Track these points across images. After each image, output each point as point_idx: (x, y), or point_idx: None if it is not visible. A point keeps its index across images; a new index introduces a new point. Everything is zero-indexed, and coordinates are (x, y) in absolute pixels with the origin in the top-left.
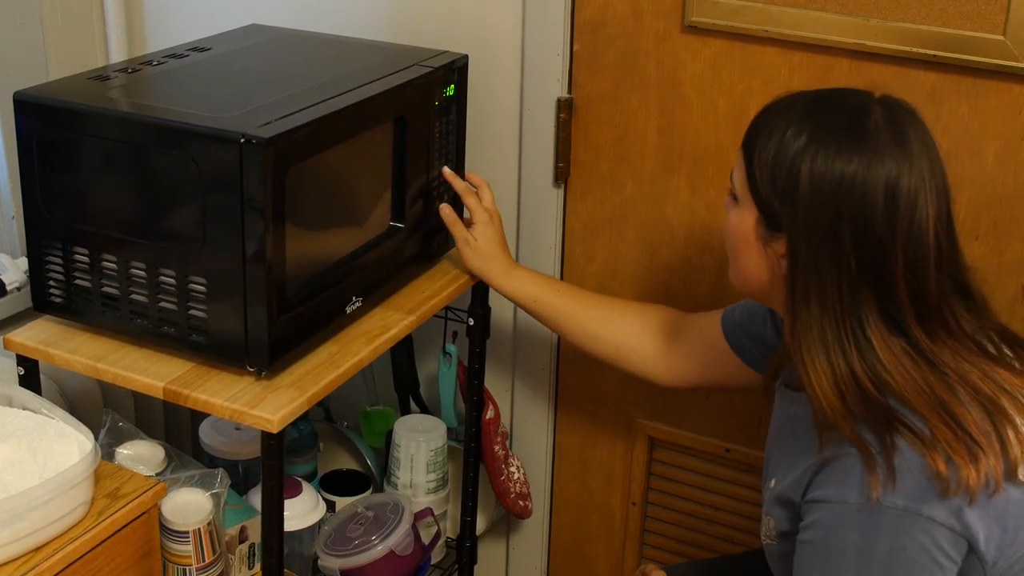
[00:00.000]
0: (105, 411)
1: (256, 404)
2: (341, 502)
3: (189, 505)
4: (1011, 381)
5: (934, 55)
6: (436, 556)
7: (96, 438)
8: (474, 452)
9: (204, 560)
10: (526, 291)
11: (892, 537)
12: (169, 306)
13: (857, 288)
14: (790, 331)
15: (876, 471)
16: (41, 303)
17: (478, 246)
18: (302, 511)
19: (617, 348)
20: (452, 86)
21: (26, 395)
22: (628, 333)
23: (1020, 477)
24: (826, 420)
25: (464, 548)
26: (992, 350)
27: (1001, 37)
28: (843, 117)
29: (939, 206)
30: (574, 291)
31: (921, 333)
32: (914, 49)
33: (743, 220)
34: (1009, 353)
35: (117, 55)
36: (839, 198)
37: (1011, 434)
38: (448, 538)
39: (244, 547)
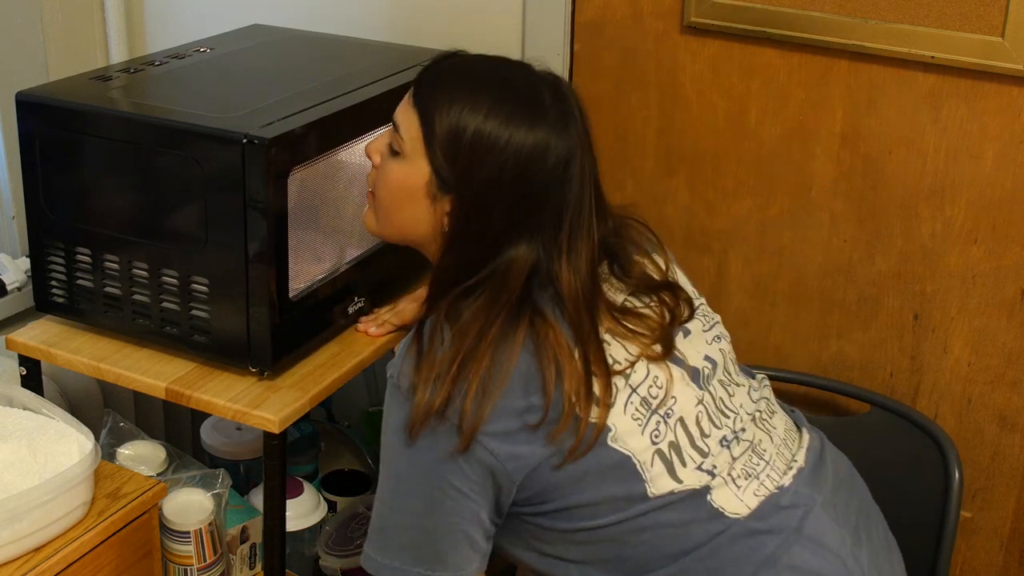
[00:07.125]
0: (106, 411)
1: (258, 404)
2: (342, 502)
3: (190, 505)
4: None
5: (932, 57)
6: None
7: (97, 438)
8: None
9: (205, 560)
10: None
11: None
12: (171, 306)
13: (507, 240)
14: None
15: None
16: (43, 303)
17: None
18: (304, 511)
19: None
20: None
21: (26, 395)
22: None
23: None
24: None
25: None
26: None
27: (999, 39)
28: (521, 93)
29: (594, 168)
30: None
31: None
32: (913, 51)
33: (412, 175)
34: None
35: (117, 55)
36: (518, 167)
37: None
38: None
39: (245, 547)
